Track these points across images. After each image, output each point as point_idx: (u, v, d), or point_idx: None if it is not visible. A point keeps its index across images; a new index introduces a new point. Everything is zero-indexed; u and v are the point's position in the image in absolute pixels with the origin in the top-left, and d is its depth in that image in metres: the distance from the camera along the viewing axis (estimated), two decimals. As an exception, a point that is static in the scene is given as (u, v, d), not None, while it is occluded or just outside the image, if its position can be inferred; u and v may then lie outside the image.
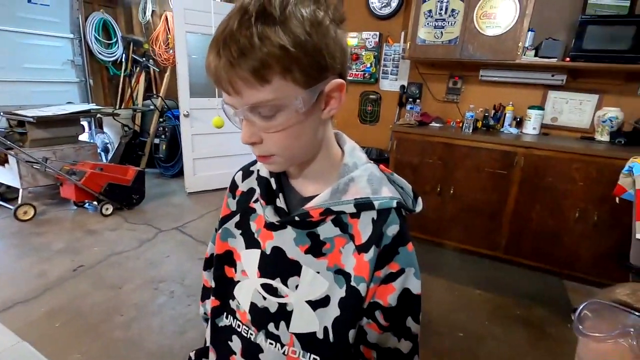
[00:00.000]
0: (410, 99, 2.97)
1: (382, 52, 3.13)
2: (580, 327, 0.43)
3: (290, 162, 0.52)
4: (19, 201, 2.91)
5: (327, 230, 0.53)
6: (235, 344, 0.59)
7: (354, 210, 0.51)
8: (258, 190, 0.58)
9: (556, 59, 2.31)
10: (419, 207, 0.56)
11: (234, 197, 0.63)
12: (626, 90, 2.37)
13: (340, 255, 0.52)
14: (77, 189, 2.94)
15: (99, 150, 3.96)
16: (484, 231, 2.50)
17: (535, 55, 2.38)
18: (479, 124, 2.70)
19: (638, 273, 1.51)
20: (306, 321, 0.53)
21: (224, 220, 0.63)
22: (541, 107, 2.56)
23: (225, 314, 0.62)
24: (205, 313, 0.71)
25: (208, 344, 0.66)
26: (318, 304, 0.53)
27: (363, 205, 0.51)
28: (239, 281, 0.60)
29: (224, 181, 3.87)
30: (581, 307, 0.44)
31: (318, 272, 0.53)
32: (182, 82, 3.47)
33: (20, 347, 0.70)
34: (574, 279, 2.30)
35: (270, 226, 0.55)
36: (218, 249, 0.63)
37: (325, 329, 0.53)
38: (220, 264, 0.62)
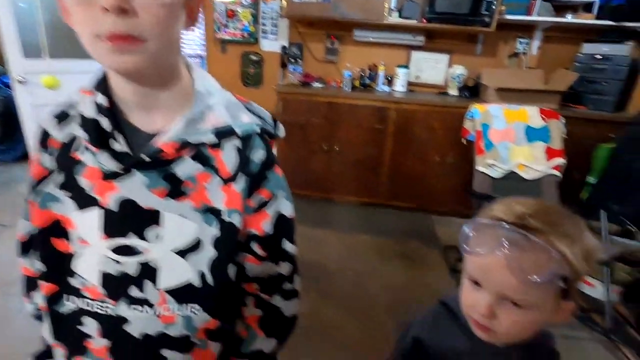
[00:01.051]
0: (292, 60, 2.95)
1: (259, 9, 2.99)
2: (466, 246, 0.48)
3: (154, 59, 0.41)
4: None
5: (186, 168, 0.47)
6: (89, 326, 0.49)
7: (215, 140, 0.47)
8: (85, 136, 0.46)
9: (415, 21, 2.56)
10: (280, 132, 0.55)
11: (47, 152, 0.50)
12: (468, 50, 2.79)
13: (206, 192, 0.48)
14: None
15: None
16: (366, 182, 2.73)
17: (399, 16, 2.59)
18: (357, 83, 2.86)
19: (478, 197, 1.86)
20: (177, 272, 0.48)
21: (40, 183, 0.49)
22: (407, 66, 2.83)
23: (66, 297, 0.50)
24: (36, 308, 0.57)
25: (50, 341, 0.53)
26: (188, 251, 0.48)
27: (224, 133, 0.47)
28: (76, 253, 0.49)
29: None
30: (465, 228, 0.50)
31: (183, 216, 0.47)
32: (9, 40, 2.72)
33: None
34: (439, 213, 2.73)
35: (111, 176, 0.46)
36: (39, 222, 0.49)
37: (202, 274, 0.48)
38: (46, 239, 0.50)
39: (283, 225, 0.53)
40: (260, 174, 0.49)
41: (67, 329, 0.50)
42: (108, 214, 0.46)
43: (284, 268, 0.54)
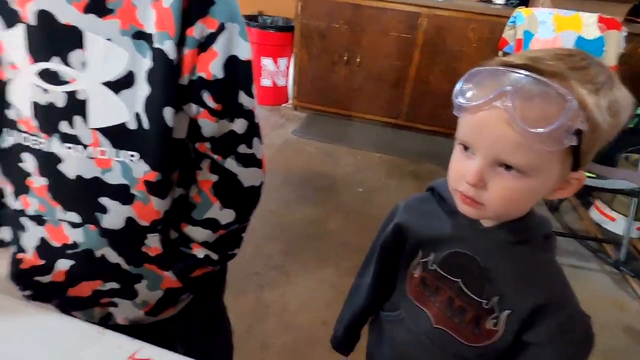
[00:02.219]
0: (316, -47, 2.58)
1: None
2: (459, 100, 0.38)
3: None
4: None
5: None
6: (27, 162, 0.46)
7: None
8: None
9: None
10: None
11: None
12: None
13: (135, 9, 0.39)
14: None
15: None
16: (387, 100, 2.55)
17: None
18: (387, -16, 2.51)
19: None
20: (109, 110, 0.42)
21: None
22: (448, -35, 2.43)
23: (5, 130, 0.47)
24: None
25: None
26: (120, 86, 0.41)
27: None
28: (8, 80, 0.44)
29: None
30: (462, 78, 0.40)
31: (110, 40, 0.40)
32: None
33: None
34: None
35: None
36: None
37: (137, 115, 0.42)
38: None
39: (236, 70, 0.44)
40: None
41: (10, 165, 0.48)
42: (30, 31, 0.40)
43: (238, 125, 0.47)
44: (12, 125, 0.45)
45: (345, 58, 2.47)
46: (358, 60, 2.46)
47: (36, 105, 0.43)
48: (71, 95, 0.42)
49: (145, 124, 0.42)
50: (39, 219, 0.48)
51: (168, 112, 0.42)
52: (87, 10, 0.39)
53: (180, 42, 0.40)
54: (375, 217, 1.82)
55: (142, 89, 0.41)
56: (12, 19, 0.40)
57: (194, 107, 0.44)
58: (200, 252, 0.51)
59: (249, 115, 0.47)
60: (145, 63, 0.40)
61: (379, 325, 0.58)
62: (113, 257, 0.49)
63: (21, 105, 0.44)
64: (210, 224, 0.50)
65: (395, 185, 2.06)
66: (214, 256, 0.52)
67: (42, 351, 0.40)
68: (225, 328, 0.76)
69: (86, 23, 0.39)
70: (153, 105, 0.42)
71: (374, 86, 2.53)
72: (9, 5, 0.40)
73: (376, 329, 0.59)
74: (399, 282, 0.55)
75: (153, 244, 0.49)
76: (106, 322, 0.53)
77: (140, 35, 0.40)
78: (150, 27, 0.39)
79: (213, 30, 0.41)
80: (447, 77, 2.36)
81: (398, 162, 2.28)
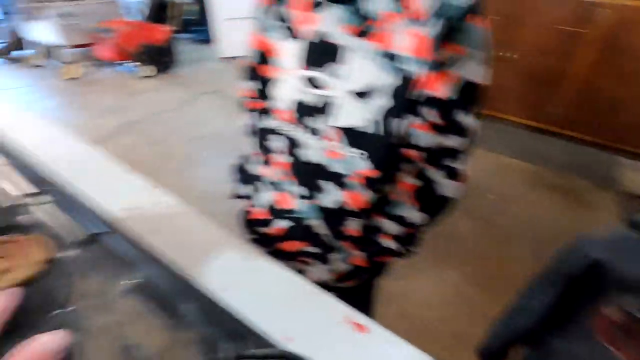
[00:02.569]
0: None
1: None
2: None
3: None
4: (64, 61, 2.96)
5: (376, 3, 0.46)
6: (275, 142, 0.60)
7: None
8: None
9: None
10: None
11: None
12: None
13: (392, 35, 0.46)
14: (113, 48, 2.90)
15: (128, 11, 3.77)
16: (535, 100, 2.28)
17: None
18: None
19: None
20: (351, 114, 0.51)
21: (265, 11, 0.57)
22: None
23: (266, 115, 0.61)
24: (246, 125, 0.72)
25: (252, 150, 0.68)
26: (365, 95, 0.49)
27: None
28: (278, 79, 0.57)
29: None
30: None
31: (366, 57, 0.48)
32: None
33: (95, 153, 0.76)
34: (630, 155, 2.14)
35: (315, 6, 0.49)
36: (256, 45, 0.59)
37: (376, 122, 0.50)
38: (257, 65, 0.60)
39: (469, 94, 0.48)
40: (456, 23, 0.43)
41: (262, 141, 0.62)
42: (307, 46, 0.51)
43: (456, 142, 0.51)
44: (269, 112, 0.59)
45: (499, 53, 2.27)
46: (514, 56, 2.24)
47: (295, 102, 0.54)
48: (325, 98, 0.52)
49: (379, 130, 0.50)
50: (275, 186, 0.62)
51: (399, 122, 0.49)
52: (353, 33, 0.47)
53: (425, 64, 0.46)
54: (506, 229, 1.70)
55: (382, 101, 0.48)
56: (291, 33, 0.52)
57: (418, 119, 0.50)
58: (389, 243, 0.59)
59: (468, 134, 0.50)
60: (389, 79, 0.47)
61: (546, 350, 0.58)
62: (321, 228, 0.60)
63: (282, 99, 0.56)
64: (404, 222, 0.57)
65: (534, 197, 1.87)
66: (401, 249, 0.60)
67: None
68: (373, 305, 0.85)
69: (350, 43, 0.48)
70: (389, 115, 0.49)
71: (524, 85, 2.28)
72: (288, 22, 0.52)
73: (542, 353, 0.59)
74: (578, 316, 0.54)
75: (354, 226, 0.58)
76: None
77: (390, 56, 0.47)
78: (402, 49, 0.46)
79: (457, 55, 0.45)
80: (624, 82, 1.99)
81: (539, 172, 2.05)
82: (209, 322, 0.37)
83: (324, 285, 0.49)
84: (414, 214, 0.57)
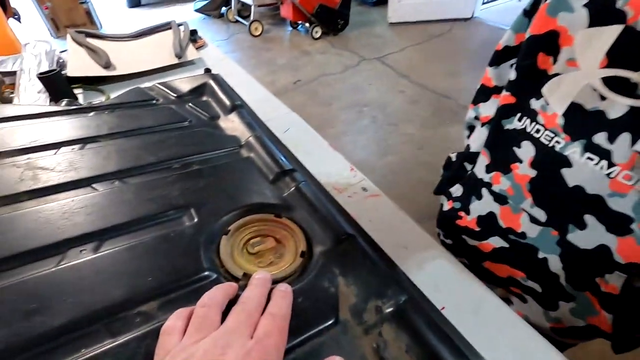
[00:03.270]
0: None
1: None
2: None
3: None
4: (251, 18, 3.32)
5: None
6: (524, 150, 0.47)
7: None
8: None
9: None
10: None
11: None
12: None
13: None
14: (294, 8, 3.09)
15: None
16: None
17: None
18: None
19: None
20: None
21: None
22: None
23: (519, 115, 0.49)
24: (475, 117, 0.61)
25: (477, 148, 0.57)
26: None
27: None
28: (556, 74, 0.44)
29: (433, 12, 3.36)
30: None
31: None
32: None
33: (292, 116, 0.78)
34: None
35: None
36: (538, 28, 0.45)
37: None
38: (534, 50, 0.45)
39: None
40: None
41: (503, 144, 0.51)
42: (626, 34, 0.36)
43: None
44: (531, 114, 0.47)
45: None
46: None
47: (577, 107, 0.41)
48: (636, 111, 0.37)
49: None
50: (500, 198, 0.52)
51: None
52: None
53: None
54: None
55: None
56: (606, 19, 0.37)
57: None
58: None
59: None
60: None
61: None
62: (555, 266, 0.47)
63: (555, 101, 0.43)
64: None
65: None
66: None
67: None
68: None
69: None
70: None
71: None
72: (616, 6, 0.37)
73: None
74: None
75: (613, 281, 0.44)
76: None
77: None
78: None
79: None
80: None
81: None
82: None
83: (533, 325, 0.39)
84: None
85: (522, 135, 0.48)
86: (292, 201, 0.41)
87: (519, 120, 0.49)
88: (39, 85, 0.78)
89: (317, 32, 3.20)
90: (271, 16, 3.80)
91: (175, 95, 0.61)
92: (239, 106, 0.58)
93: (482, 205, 0.55)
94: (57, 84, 0.76)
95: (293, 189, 0.42)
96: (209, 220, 0.37)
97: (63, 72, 0.83)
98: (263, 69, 2.82)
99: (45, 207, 0.36)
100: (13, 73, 0.87)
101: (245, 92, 0.87)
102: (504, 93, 0.51)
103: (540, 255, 0.49)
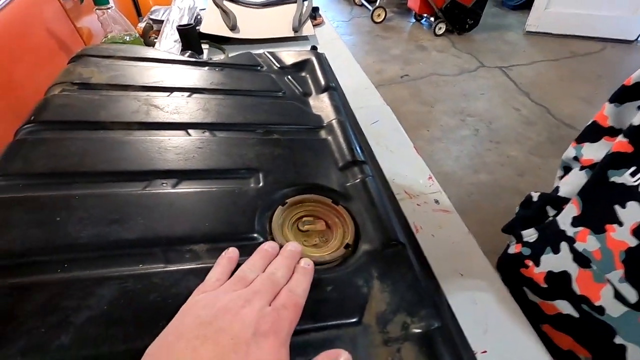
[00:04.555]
0: None
1: None
2: None
3: None
4: (377, 4, 3.27)
5: None
6: (630, 212, 0.38)
7: None
8: None
9: None
10: None
11: None
12: None
13: None
14: (422, 0, 2.95)
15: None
16: None
17: None
18: None
19: None
20: None
21: None
22: None
23: (634, 169, 0.39)
24: (575, 157, 0.51)
25: (562, 193, 0.49)
26: None
27: None
28: None
29: (585, 26, 2.89)
30: None
31: None
32: None
33: (385, 109, 0.76)
34: None
35: None
36: None
37: None
38: None
39: None
40: None
41: (601, 197, 0.42)
42: None
43: None
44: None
45: None
46: None
47: None
48: None
49: None
50: (582, 259, 0.44)
51: None
52: None
53: None
54: None
55: None
56: None
57: None
58: None
59: None
60: None
61: None
62: (635, 358, 0.39)
63: None
64: None
65: None
66: None
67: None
68: None
69: None
70: None
71: None
72: None
73: None
74: None
75: None
76: None
77: None
78: None
79: None
80: None
81: None
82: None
83: None
84: None
85: (631, 193, 0.39)
86: (353, 192, 0.41)
87: (632, 175, 0.39)
88: (176, 36, 0.89)
89: (441, 28, 3.02)
90: (397, 4, 3.69)
91: (278, 65, 0.64)
92: (332, 88, 0.59)
93: (558, 260, 0.46)
94: (189, 37, 0.87)
95: (358, 180, 0.42)
96: (271, 188, 0.39)
97: (197, 28, 0.94)
98: (374, 56, 2.79)
99: (147, 139, 0.42)
100: (160, 21, 1.01)
101: (346, 75, 0.87)
102: (620, 138, 0.41)
103: (618, 340, 0.40)
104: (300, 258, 0.31)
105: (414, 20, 3.36)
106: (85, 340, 0.24)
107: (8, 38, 0.60)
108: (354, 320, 0.29)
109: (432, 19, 3.08)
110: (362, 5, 3.68)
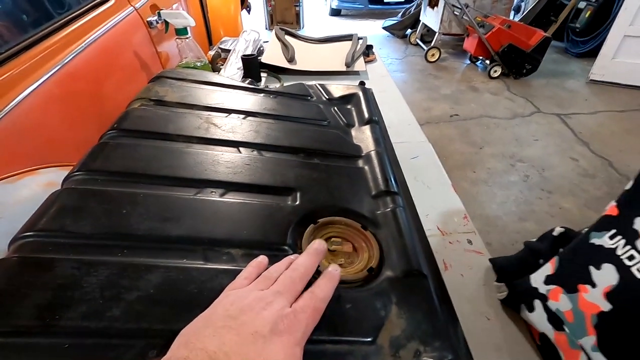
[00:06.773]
0: None
1: None
2: None
3: None
4: (432, 44, 3.34)
5: None
6: (604, 274, 0.37)
7: None
8: None
9: None
10: None
11: None
12: None
13: None
14: (478, 43, 2.96)
15: (518, 8, 3.69)
16: None
17: None
18: None
19: None
20: None
21: None
22: None
23: (614, 231, 0.38)
24: None
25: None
26: None
27: None
28: None
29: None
30: None
31: None
32: None
33: (427, 146, 0.78)
34: None
35: None
36: None
37: None
38: None
39: None
40: None
41: (578, 257, 0.40)
42: None
43: None
44: (630, 235, 0.36)
45: None
46: None
47: None
48: None
49: None
50: (556, 320, 0.41)
51: None
52: None
53: None
54: None
55: None
56: None
57: None
58: None
59: None
60: None
61: None
62: None
63: None
64: None
65: None
66: None
67: None
68: None
69: None
70: None
71: None
72: None
73: None
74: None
75: None
76: None
77: None
78: None
79: None
80: None
81: None
82: None
83: None
84: None
85: (607, 256, 0.37)
86: (382, 220, 0.43)
87: (611, 238, 0.38)
88: (240, 64, 0.99)
89: (496, 71, 2.99)
90: (452, 46, 3.73)
91: (327, 97, 0.69)
92: (374, 121, 0.62)
93: (535, 319, 0.43)
94: (251, 66, 0.96)
95: (389, 209, 0.44)
96: (306, 207, 0.42)
97: (259, 58, 1.04)
98: (424, 94, 2.81)
99: (204, 152, 0.48)
100: (228, 51, 1.13)
101: (391, 110, 0.90)
102: (611, 203, 0.40)
103: None
104: (329, 264, 0.33)
105: (468, 62, 3.37)
106: (132, 315, 0.28)
107: (105, 57, 0.71)
108: (368, 339, 0.30)
109: (487, 61, 3.06)
110: (417, 44, 3.77)
